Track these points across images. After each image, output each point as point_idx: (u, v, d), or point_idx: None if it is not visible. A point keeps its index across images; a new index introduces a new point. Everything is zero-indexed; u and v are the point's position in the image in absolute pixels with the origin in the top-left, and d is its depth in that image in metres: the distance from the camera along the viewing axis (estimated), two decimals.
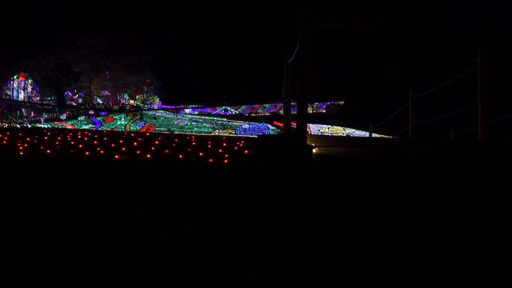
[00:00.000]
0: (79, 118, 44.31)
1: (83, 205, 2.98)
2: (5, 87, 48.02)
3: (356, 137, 30.35)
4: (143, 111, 44.56)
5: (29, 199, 3.18)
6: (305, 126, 6.93)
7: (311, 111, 48.61)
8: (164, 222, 2.53)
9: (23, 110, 46.44)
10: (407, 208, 2.99)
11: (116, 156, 5.97)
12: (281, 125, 30.12)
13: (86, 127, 40.54)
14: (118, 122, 42.75)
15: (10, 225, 2.48)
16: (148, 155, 6.11)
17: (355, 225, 2.52)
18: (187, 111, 52.94)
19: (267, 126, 40.91)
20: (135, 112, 43.51)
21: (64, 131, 14.33)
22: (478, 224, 2.61)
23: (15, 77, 48.91)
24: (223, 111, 59.84)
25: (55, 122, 42.55)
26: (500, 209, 2.99)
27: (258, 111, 63.65)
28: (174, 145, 8.14)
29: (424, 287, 1.69)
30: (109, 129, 37.37)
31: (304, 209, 2.91)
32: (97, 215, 2.69)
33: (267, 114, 61.07)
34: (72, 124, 42.00)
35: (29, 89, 50.75)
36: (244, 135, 32.89)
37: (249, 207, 2.95)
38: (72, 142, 8.32)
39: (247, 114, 61.57)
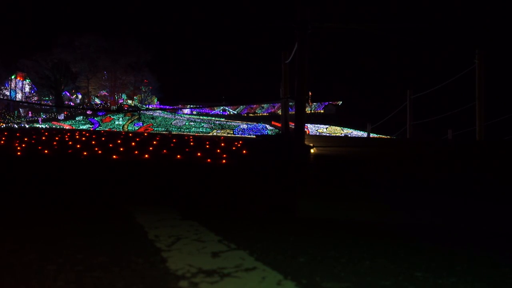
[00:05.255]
0: (77, 118, 44.28)
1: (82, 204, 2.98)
2: (3, 87, 47.98)
3: (354, 137, 30.44)
4: (141, 111, 44.56)
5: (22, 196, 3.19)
6: (303, 126, 6.92)
7: (309, 111, 48.73)
8: (161, 221, 2.53)
9: (21, 110, 46.40)
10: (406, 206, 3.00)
11: (114, 156, 5.96)
12: (279, 125, 30.09)
13: (84, 127, 40.51)
14: (116, 122, 42.73)
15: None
16: (146, 155, 6.11)
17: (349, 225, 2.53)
18: (185, 111, 52.93)
19: (265, 126, 40.99)
20: (133, 112, 43.51)
21: (62, 131, 14.32)
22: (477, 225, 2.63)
23: (13, 77, 48.87)
24: (221, 111, 59.82)
25: (53, 122, 42.50)
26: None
27: (256, 111, 63.64)
28: (172, 145, 8.14)
29: None
30: (107, 129, 37.34)
31: (302, 209, 2.92)
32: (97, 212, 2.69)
33: (265, 114, 61.07)
34: (70, 124, 41.97)
35: (27, 89, 50.73)
36: (242, 135, 32.94)
37: (245, 206, 2.95)
38: (70, 142, 8.32)
39: (245, 114, 61.54)
